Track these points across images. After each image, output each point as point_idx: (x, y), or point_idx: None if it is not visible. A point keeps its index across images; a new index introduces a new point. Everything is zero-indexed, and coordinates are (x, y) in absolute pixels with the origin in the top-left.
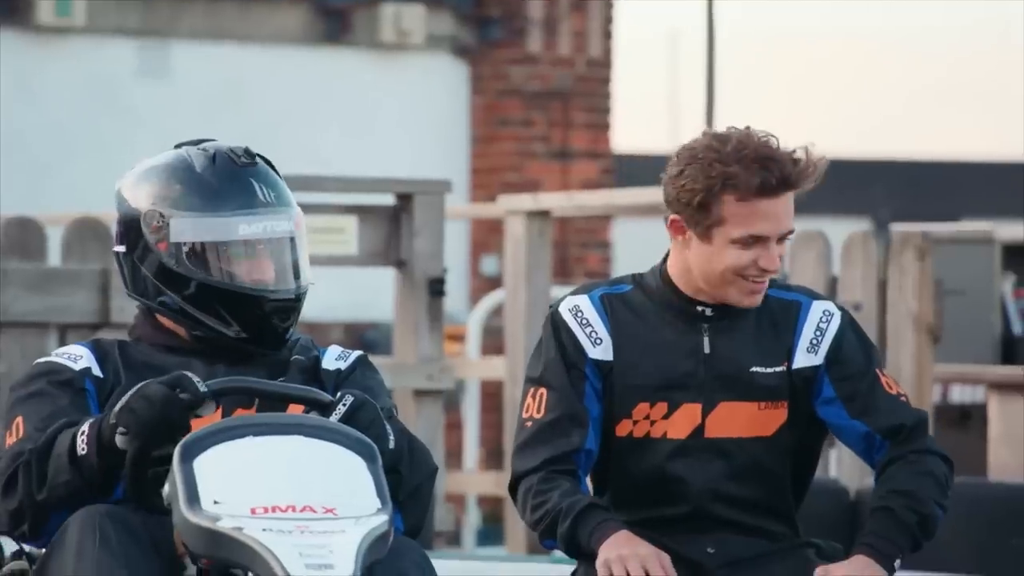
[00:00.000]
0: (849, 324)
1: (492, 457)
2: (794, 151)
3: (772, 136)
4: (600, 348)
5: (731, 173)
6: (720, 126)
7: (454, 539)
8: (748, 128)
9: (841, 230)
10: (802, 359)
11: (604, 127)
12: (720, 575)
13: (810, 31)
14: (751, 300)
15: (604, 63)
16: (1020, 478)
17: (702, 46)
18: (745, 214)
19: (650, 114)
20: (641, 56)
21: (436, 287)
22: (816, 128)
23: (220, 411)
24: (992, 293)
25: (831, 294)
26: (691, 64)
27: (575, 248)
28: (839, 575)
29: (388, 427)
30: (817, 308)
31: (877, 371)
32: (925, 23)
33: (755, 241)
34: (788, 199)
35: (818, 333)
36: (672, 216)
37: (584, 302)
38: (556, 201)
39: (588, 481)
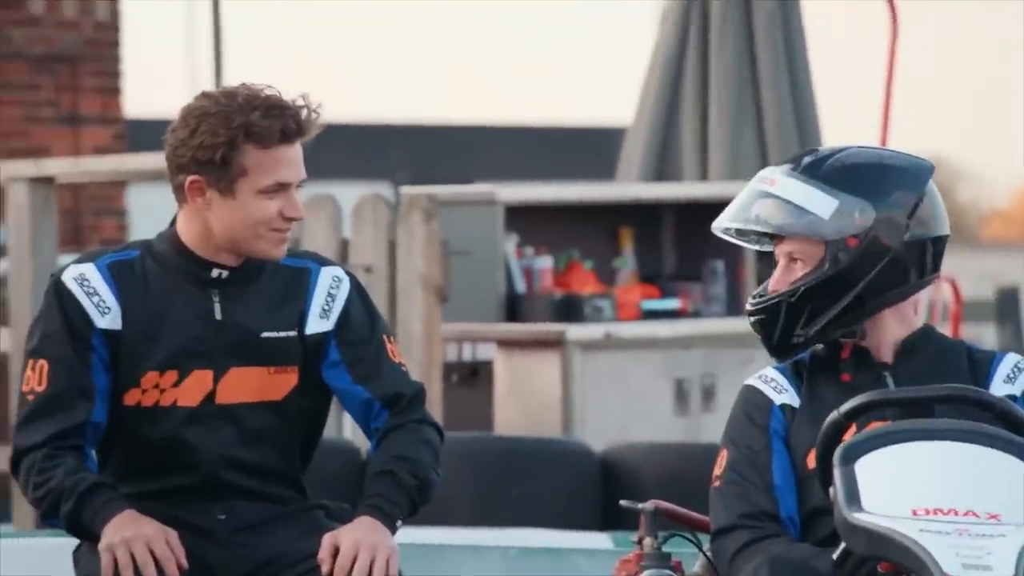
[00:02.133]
0: (356, 290)
1: None
2: (295, 100)
3: (271, 87)
4: (108, 317)
5: (252, 122)
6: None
7: None
8: (244, 84)
9: (360, 194)
10: (314, 324)
11: (115, 91)
12: (232, 541)
13: None
14: (278, 251)
15: (112, 26)
16: (522, 431)
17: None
18: (268, 162)
19: (166, 78)
20: (156, 18)
21: None
22: (333, 93)
23: None
24: (496, 253)
25: (343, 257)
26: (205, 27)
27: (88, 216)
28: (349, 539)
29: None
30: (327, 274)
31: (383, 338)
32: None
33: (279, 190)
34: (300, 146)
35: (329, 299)
36: (190, 178)
37: (90, 270)
38: (61, 167)
39: (94, 455)
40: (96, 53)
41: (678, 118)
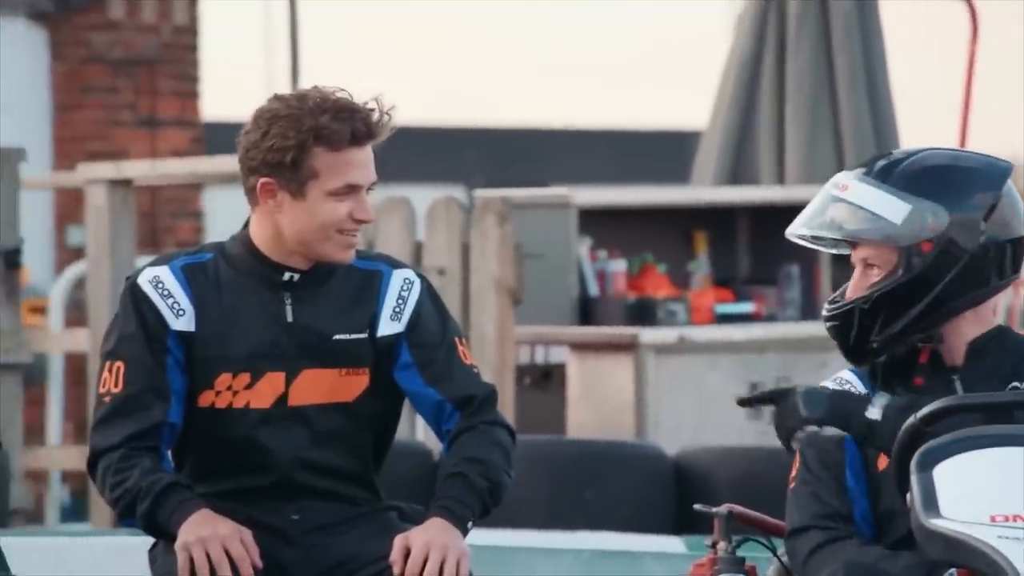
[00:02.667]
0: (428, 292)
1: (78, 431)
2: (367, 103)
3: (343, 90)
4: (183, 319)
5: (321, 125)
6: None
7: (35, 516)
8: (316, 86)
9: (434, 197)
10: (385, 327)
11: (193, 95)
12: (305, 541)
13: None
14: (346, 255)
15: (191, 30)
16: (595, 434)
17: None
18: (338, 165)
19: (244, 81)
20: (234, 22)
21: (12, 258)
22: (409, 96)
23: None
24: (570, 256)
25: (416, 260)
26: (282, 30)
27: (165, 218)
28: (420, 541)
29: None
30: (398, 276)
31: (455, 340)
32: None
33: (348, 192)
34: (371, 149)
35: (400, 301)
36: (261, 181)
37: (164, 272)
38: (139, 170)
39: (170, 455)
40: (174, 57)
41: (754, 121)
